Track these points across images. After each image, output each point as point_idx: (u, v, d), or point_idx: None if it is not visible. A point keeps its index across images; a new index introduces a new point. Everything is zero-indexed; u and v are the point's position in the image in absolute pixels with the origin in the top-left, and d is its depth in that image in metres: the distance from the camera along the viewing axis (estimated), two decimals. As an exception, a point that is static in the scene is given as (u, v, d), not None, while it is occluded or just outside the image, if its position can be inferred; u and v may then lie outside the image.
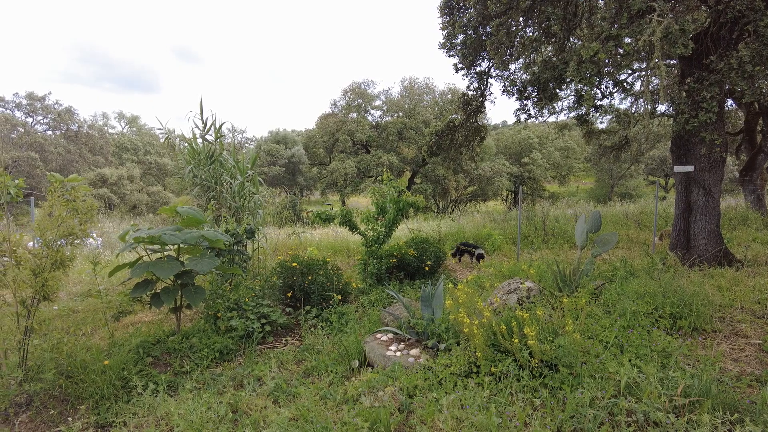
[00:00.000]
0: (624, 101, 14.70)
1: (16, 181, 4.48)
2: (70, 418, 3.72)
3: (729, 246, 8.36)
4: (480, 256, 9.59)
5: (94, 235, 11.98)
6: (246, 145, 48.65)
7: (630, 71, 10.79)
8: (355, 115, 36.39)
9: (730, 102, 13.83)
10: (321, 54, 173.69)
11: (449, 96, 35.17)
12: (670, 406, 3.08)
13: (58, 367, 4.00)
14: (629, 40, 6.51)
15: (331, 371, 4.37)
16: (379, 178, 31.30)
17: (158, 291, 4.94)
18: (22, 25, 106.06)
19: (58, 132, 37.31)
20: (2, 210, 4.36)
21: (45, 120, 37.17)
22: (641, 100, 13.21)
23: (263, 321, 5.60)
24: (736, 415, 2.93)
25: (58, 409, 3.83)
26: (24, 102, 36.08)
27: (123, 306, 6.18)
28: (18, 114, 36.11)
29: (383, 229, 7.61)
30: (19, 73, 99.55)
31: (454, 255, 10.16)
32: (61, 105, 37.03)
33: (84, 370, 4.01)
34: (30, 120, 36.72)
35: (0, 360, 3.92)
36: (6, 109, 35.37)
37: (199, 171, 8.13)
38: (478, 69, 10.76)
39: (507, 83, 10.69)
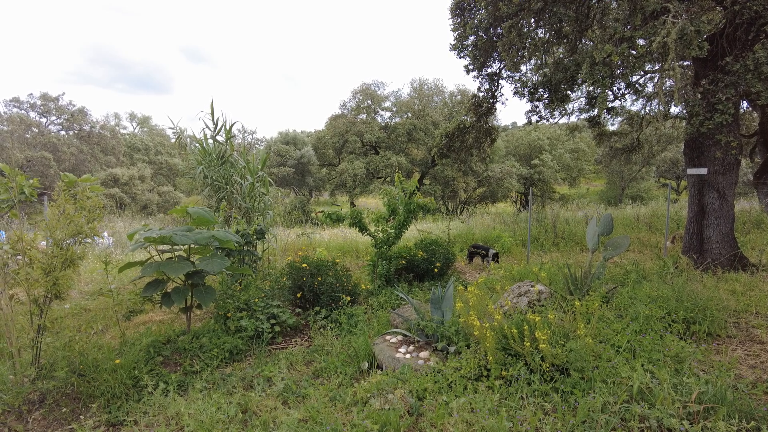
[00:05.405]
0: (636, 103, 14.54)
1: (31, 181, 4.53)
2: (82, 416, 3.75)
3: (743, 250, 8.23)
4: (495, 256, 9.50)
5: (106, 234, 12.12)
6: (256, 145, 48.95)
7: (642, 72, 10.70)
8: (364, 116, 36.38)
9: (744, 103, 13.62)
10: (332, 55, 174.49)
11: (459, 97, 35.07)
12: (684, 412, 3.03)
13: (71, 366, 4.04)
14: (643, 42, 6.44)
15: (341, 373, 4.37)
16: (388, 179, 31.29)
17: (169, 291, 4.98)
18: (39, 27, 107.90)
19: (71, 132, 37.80)
20: (16, 209, 4.41)
21: (58, 120, 37.67)
22: (654, 101, 13.07)
23: (273, 321, 5.61)
24: (752, 423, 2.87)
25: (71, 407, 3.86)
26: (38, 103, 36.62)
27: (134, 305, 6.23)
28: (32, 114, 36.65)
29: (393, 231, 7.59)
30: (36, 74, 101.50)
31: (470, 258, 10.13)
32: (74, 105, 37.55)
33: (96, 369, 4.06)
34: (44, 120, 37.25)
35: (14, 358, 3.96)
36: (21, 110, 35.91)
37: (210, 171, 8.17)
38: (489, 70, 10.72)
39: (518, 85, 10.66)
